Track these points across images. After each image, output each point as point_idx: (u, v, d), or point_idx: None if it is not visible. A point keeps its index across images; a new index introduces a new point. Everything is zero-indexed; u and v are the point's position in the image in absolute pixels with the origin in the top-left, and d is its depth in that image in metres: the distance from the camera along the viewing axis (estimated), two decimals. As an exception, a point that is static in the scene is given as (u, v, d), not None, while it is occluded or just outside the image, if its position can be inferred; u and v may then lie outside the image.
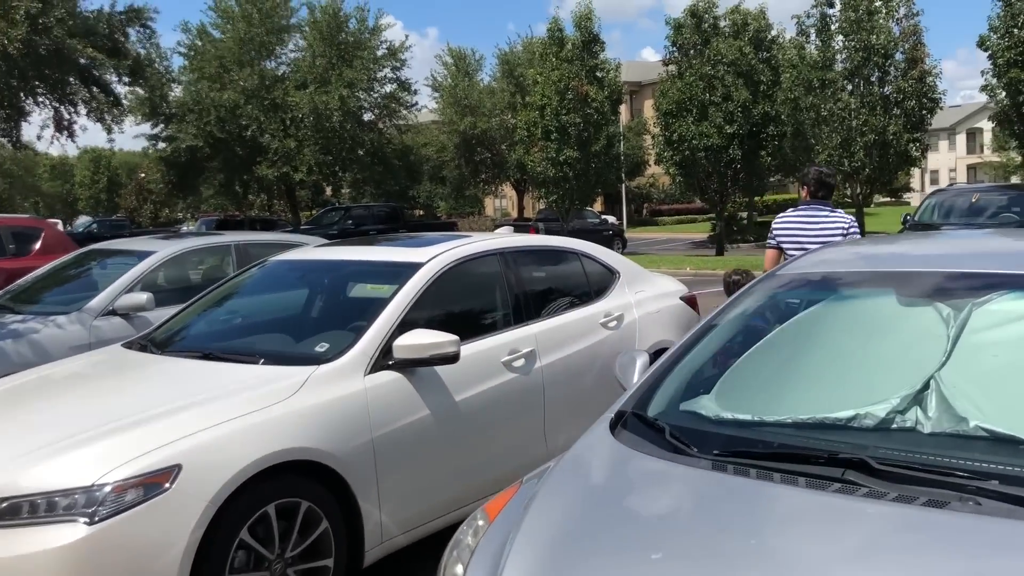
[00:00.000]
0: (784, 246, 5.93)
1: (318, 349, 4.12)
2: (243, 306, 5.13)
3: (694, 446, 2.53)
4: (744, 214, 38.59)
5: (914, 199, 67.15)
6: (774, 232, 6.06)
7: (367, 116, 34.54)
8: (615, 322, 5.43)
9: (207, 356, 4.22)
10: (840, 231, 5.80)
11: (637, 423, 2.77)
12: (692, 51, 26.69)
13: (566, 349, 5.01)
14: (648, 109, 56.53)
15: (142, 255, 7.12)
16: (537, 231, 22.77)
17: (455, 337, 4.06)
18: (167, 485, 3.19)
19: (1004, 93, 20.53)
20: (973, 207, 15.53)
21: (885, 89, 22.88)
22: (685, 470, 2.42)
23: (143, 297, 6.44)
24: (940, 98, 22.98)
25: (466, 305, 4.82)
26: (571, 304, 5.29)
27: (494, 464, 4.50)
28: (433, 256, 4.59)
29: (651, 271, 6.42)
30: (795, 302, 3.18)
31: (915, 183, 63.60)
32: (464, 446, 4.32)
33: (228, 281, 5.36)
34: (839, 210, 6.04)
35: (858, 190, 24.13)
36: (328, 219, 28.50)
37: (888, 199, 51.34)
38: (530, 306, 4.98)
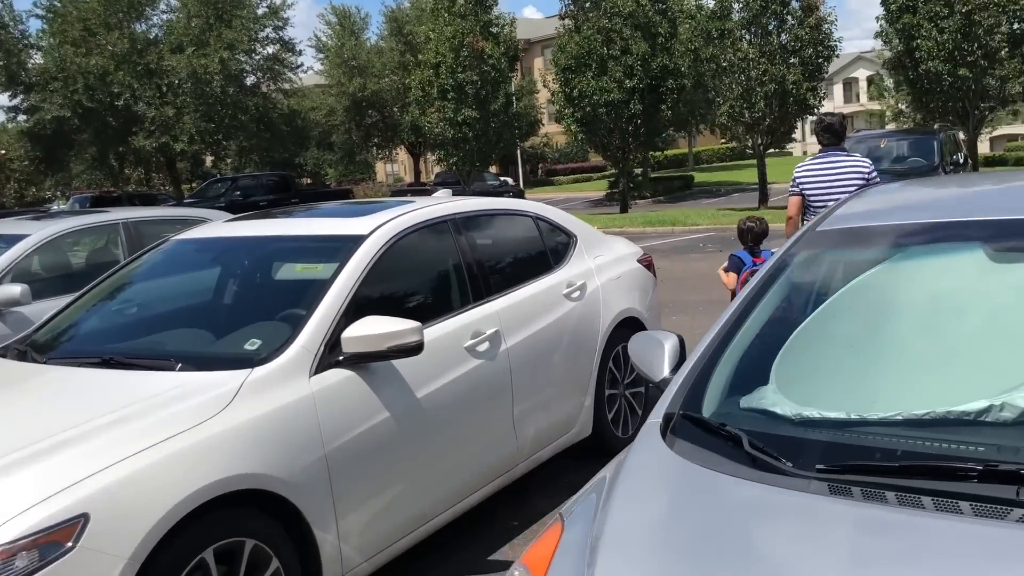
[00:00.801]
0: (807, 193, 6.00)
1: (248, 347, 3.36)
2: (144, 296, 4.28)
3: (786, 459, 1.94)
4: (639, 170, 38.56)
5: (795, 149, 69.02)
6: (796, 180, 6.11)
7: (250, 80, 32.75)
8: (578, 292, 4.83)
9: (107, 363, 3.39)
10: (862, 176, 5.86)
11: (696, 429, 2.17)
12: (588, 4, 26.09)
13: (531, 327, 4.38)
14: (537, 67, 55.98)
15: (12, 239, 6.09)
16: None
17: (416, 323, 3.37)
18: (70, 543, 2.43)
19: (898, 39, 20.76)
20: (882, 153, 15.58)
21: (782, 38, 22.86)
22: (793, 498, 1.83)
23: (16, 289, 5.47)
24: (836, 46, 23.13)
25: (418, 283, 4.12)
26: (531, 275, 4.65)
27: (463, 468, 3.86)
28: (376, 227, 3.86)
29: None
30: (853, 262, 2.62)
31: (797, 134, 65.22)
32: (430, 451, 3.65)
33: (123, 267, 4.48)
34: (856, 154, 6.11)
35: (759, 140, 24.17)
36: (213, 191, 26.82)
37: (773, 150, 52.26)
38: (488, 280, 4.31)
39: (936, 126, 18.23)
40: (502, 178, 36.80)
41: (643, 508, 1.95)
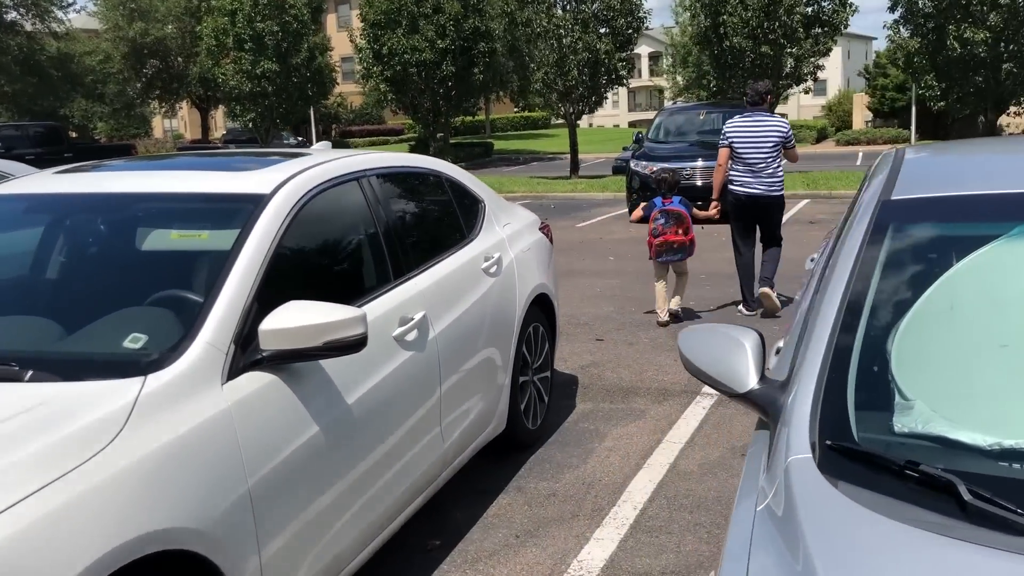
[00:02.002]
0: (735, 145, 7.19)
1: (130, 345, 2.46)
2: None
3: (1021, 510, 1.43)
4: (440, 136, 37.90)
5: (607, 121, 70.98)
6: (726, 134, 7.28)
7: (11, 15, 28.88)
8: (495, 267, 4.17)
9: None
10: (781, 134, 7.12)
11: (860, 467, 1.61)
12: (397, -42, 24.92)
13: (456, 309, 3.69)
14: (332, 26, 53.75)
15: None
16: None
17: (359, 311, 2.61)
18: None
19: (703, 15, 21.32)
20: (701, 123, 15.85)
21: (595, 6, 22.85)
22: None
23: None
24: (646, 17, 23.45)
25: (333, 257, 3.30)
26: (448, 245, 3.94)
27: (395, 485, 3.13)
28: (279, 184, 3.00)
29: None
30: (958, 239, 2.14)
31: (611, 106, 66.81)
32: (363, 469, 2.90)
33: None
34: (776, 115, 7.40)
35: (571, 109, 24.17)
36: (-34, 142, 23.42)
37: (560, 121, 53.09)
38: (408, 252, 3.56)
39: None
40: (300, 138, 34.92)
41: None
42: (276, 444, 2.47)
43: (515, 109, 67.97)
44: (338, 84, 46.12)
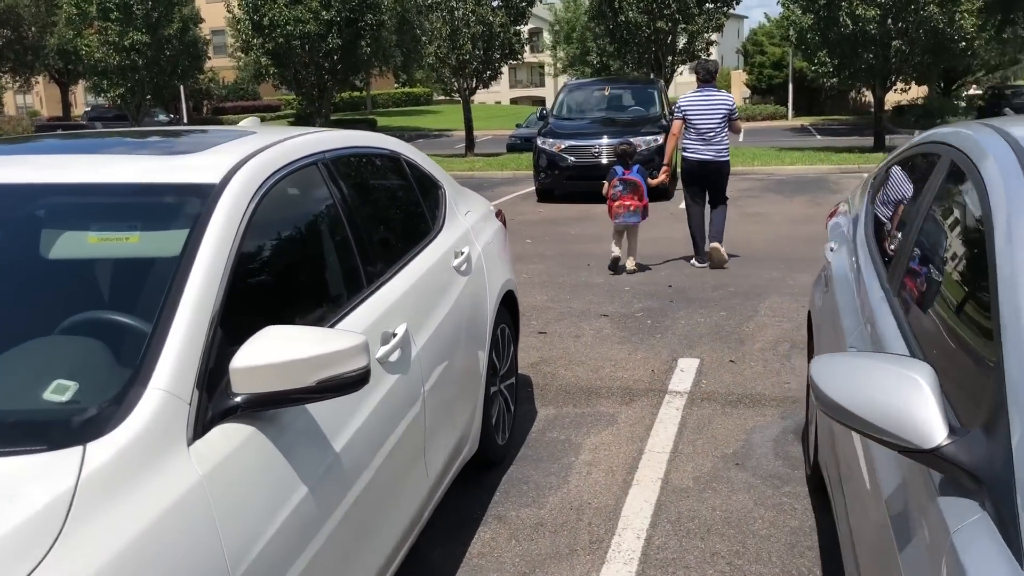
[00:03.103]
0: (688, 116, 8.16)
1: (55, 397, 1.79)
2: None
3: None
4: (324, 111, 36.47)
5: (502, 97, 70.39)
6: (680, 107, 8.27)
7: None
8: (465, 264, 3.60)
9: None
10: (727, 106, 8.13)
11: None
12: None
13: (435, 316, 3.11)
14: (201, -6, 51.00)
15: None
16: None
17: (359, 338, 2.01)
18: None
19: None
20: (606, 99, 15.55)
21: (488, -22, 22.20)
22: None
23: None
24: (535, -10, 22.93)
25: (300, 262, 2.65)
26: (416, 240, 3.35)
27: (387, 534, 2.55)
28: (230, 171, 2.35)
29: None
30: None
31: (503, 83, 66.00)
32: (358, 525, 2.30)
33: None
34: (723, 91, 8.41)
35: (465, 84, 23.46)
36: None
37: (442, 97, 52.00)
38: (379, 251, 2.96)
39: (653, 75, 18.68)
40: (172, 115, 32.91)
41: None
42: (261, 519, 1.86)
43: (396, 85, 66.53)
44: (210, 58, 43.93)
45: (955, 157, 2.38)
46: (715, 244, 8.14)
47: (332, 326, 2.41)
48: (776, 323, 6.36)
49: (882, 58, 18.67)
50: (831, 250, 3.37)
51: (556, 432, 4.44)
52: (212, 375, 1.89)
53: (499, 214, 4.60)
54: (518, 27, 22.68)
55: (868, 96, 45.09)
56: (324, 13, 22.75)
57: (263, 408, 1.93)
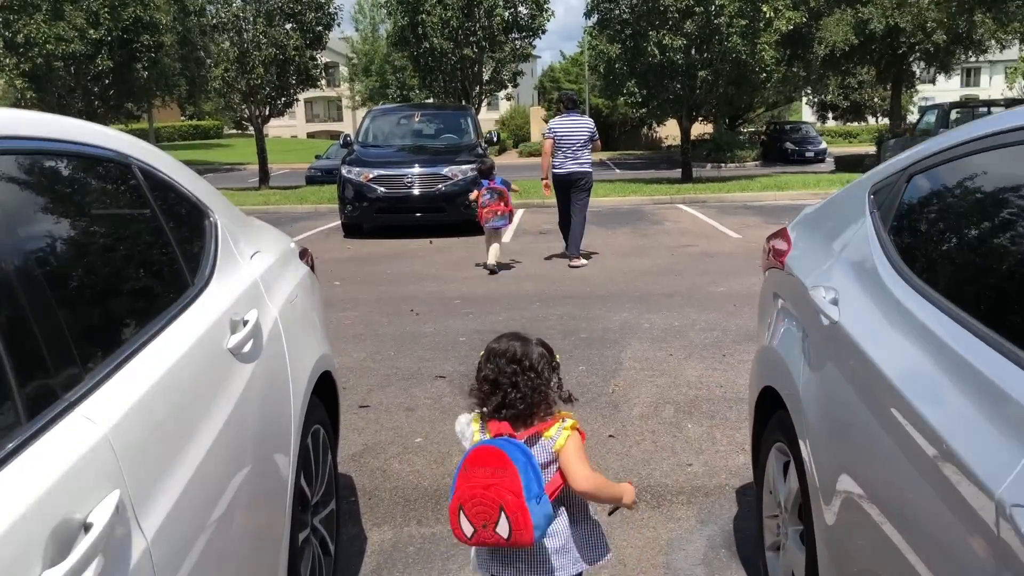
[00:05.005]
0: (557, 137, 9.45)
1: None
2: None
3: None
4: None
5: (298, 131, 67.45)
6: (551, 128, 9.60)
7: None
8: (251, 340, 2.15)
9: None
10: (590, 130, 9.58)
11: None
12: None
13: (182, 466, 1.64)
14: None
15: None
16: None
17: None
18: None
19: (401, 13, 19.73)
20: (415, 127, 14.33)
21: (280, -1, 20.39)
22: None
23: None
24: (336, 13, 21.31)
25: None
26: (155, 308, 1.87)
27: None
28: None
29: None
30: None
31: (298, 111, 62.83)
32: None
33: None
34: (586, 116, 9.98)
35: (256, 111, 21.43)
36: None
37: (233, 131, 49.05)
38: (60, 345, 1.46)
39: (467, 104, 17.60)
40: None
41: None
42: None
43: (182, 117, 62.42)
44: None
45: None
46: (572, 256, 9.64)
47: None
48: (648, 378, 5.26)
49: (688, 88, 18.57)
50: (832, 302, 2.21)
51: (396, 572, 3.04)
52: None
53: (304, 254, 3.18)
54: (314, 51, 21.01)
55: (658, 132, 46.73)
56: (92, 32, 20.12)
57: None
